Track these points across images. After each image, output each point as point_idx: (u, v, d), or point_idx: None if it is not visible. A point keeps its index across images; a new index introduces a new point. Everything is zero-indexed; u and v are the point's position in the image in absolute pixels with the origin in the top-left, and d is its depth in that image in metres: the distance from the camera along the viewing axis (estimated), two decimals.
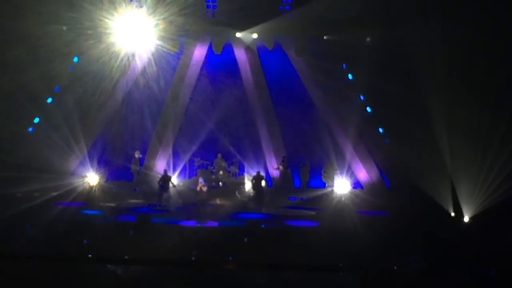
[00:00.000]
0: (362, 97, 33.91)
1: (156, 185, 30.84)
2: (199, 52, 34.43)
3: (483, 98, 26.34)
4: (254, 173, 32.44)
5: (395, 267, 10.35)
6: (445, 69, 28.07)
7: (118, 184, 32.43)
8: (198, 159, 34.49)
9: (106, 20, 30.64)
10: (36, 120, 32.67)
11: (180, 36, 32.70)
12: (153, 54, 33.66)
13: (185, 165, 34.83)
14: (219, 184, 33.23)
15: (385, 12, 29.34)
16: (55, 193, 29.40)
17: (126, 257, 10.79)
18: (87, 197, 29.63)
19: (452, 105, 27.81)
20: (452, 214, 27.37)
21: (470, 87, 26.83)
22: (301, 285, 11.76)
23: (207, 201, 29.13)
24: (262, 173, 31.91)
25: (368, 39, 32.62)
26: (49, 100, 32.89)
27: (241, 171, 35.14)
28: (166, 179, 30.36)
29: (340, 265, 16.16)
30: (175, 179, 32.35)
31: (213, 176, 33.32)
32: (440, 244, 21.44)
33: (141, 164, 33.76)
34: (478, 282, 18.28)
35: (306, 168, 34.08)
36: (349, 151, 33.36)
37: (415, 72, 29.23)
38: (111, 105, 34.05)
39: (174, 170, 34.01)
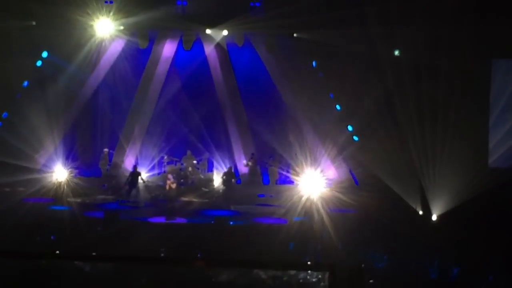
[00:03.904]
0: (331, 95, 33.99)
1: (124, 181, 30.71)
2: (168, 49, 34.33)
3: (452, 97, 26.58)
4: (223, 170, 32.51)
5: (363, 265, 10.41)
6: (415, 68, 28.30)
7: (87, 180, 32.14)
8: (167, 155, 34.37)
9: (76, 16, 30.53)
10: (5, 115, 32.45)
11: (149, 32, 32.69)
12: (122, 50, 33.63)
13: (154, 162, 34.74)
14: (187, 181, 33.13)
15: (356, 10, 29.39)
16: (22, 189, 29.21)
17: (94, 253, 10.79)
18: (55, 192, 29.37)
19: (421, 104, 28.03)
20: (420, 212, 27.54)
21: (440, 87, 27.07)
22: (269, 282, 11.77)
23: (176, 198, 29.10)
24: (233, 170, 31.93)
25: (338, 36, 32.66)
26: (18, 95, 32.69)
27: (210, 167, 35.11)
28: (135, 175, 30.25)
29: (309, 262, 16.20)
30: (144, 175, 32.20)
31: (182, 173, 33.19)
32: (408, 242, 21.58)
33: (110, 160, 33.63)
34: (445, 280, 18.43)
35: (275, 165, 34.06)
36: (318, 148, 33.40)
37: (384, 71, 29.40)
38: (81, 101, 33.90)
39: (143, 166, 33.89)
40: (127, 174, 30.91)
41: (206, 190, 31.98)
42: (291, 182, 33.20)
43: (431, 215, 27.00)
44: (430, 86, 27.74)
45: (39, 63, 32.86)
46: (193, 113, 34.83)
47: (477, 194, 25.50)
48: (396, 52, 29.94)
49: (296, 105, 34.27)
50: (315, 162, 32.62)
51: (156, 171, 34.75)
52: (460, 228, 23.11)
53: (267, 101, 35.04)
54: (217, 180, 33.00)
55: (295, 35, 32.99)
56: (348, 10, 29.35)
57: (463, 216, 24.70)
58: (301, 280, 11.77)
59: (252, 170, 33.58)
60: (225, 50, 34.56)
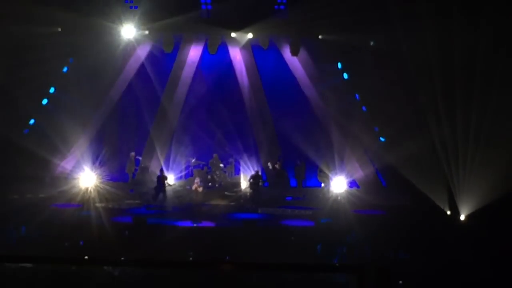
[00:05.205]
0: (357, 96, 33.96)
1: (152, 185, 30.73)
2: (194, 52, 34.47)
3: (481, 97, 26.40)
4: (249, 173, 32.48)
5: (391, 266, 10.33)
6: (442, 68, 28.09)
7: (114, 185, 32.21)
8: (194, 159, 34.43)
9: (101, 21, 30.67)
10: (32, 121, 32.65)
11: (175, 37, 32.76)
12: (148, 54, 33.73)
13: (181, 165, 34.78)
14: (215, 184, 33.17)
15: (381, 11, 29.25)
16: (50, 195, 29.36)
17: (122, 258, 10.78)
18: (83, 198, 29.50)
19: (448, 104, 27.85)
20: (448, 212, 27.39)
21: (467, 86, 26.87)
22: (298, 285, 11.74)
23: (203, 202, 29.14)
24: (260, 173, 31.90)
25: (363, 38, 32.55)
26: (45, 101, 32.91)
27: (237, 171, 35.14)
28: (162, 179, 30.26)
29: (337, 265, 16.16)
30: (171, 179, 32.32)
31: (209, 176, 33.22)
32: (436, 243, 21.46)
33: (137, 165, 33.72)
34: (475, 281, 18.30)
35: (302, 168, 33.99)
36: (345, 150, 33.33)
37: (411, 71, 29.23)
38: (107, 106, 34.06)
39: (170, 170, 33.94)
40: (154, 178, 30.93)
41: (231, 194, 31.95)
42: (318, 184, 33.13)
43: (459, 215, 26.85)
44: (458, 86, 27.56)
45: (65, 69, 33.06)
46: (219, 116, 34.89)
47: (504, 193, 25.29)
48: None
49: (322, 106, 34.26)
50: (342, 163, 32.59)
51: (183, 175, 34.80)
52: (488, 227, 22.95)
53: (293, 103, 34.96)
54: (244, 183, 33.01)
55: (320, 37, 32.99)
56: (372, 11, 29.24)
57: (491, 216, 24.53)
58: (329, 283, 11.75)
59: (279, 173, 33.54)
60: (251, 53, 34.63)
